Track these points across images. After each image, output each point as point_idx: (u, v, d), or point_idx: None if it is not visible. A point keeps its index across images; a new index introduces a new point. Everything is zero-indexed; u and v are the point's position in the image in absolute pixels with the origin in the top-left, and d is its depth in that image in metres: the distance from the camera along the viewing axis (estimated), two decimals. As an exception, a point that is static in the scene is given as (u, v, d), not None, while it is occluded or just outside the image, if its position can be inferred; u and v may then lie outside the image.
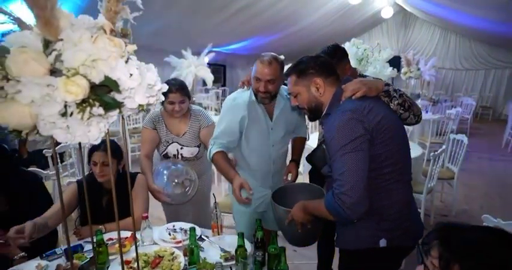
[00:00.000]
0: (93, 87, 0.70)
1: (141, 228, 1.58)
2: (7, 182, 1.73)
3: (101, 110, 0.71)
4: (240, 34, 7.88)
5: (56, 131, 0.70)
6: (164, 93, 0.84)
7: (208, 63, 4.95)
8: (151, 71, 0.79)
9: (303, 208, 1.33)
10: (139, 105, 0.77)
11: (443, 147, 3.10)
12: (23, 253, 1.52)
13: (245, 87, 1.79)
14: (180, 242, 1.60)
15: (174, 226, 1.75)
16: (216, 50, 6.07)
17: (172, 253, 1.47)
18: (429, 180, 2.83)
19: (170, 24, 5.87)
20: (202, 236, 1.64)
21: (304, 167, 3.07)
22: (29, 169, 2.14)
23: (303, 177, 2.88)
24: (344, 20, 8.59)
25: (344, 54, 1.87)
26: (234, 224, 2.08)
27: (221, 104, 8.90)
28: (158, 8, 4.85)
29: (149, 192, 1.95)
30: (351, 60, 1.96)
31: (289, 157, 2.00)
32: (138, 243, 1.44)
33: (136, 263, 1.01)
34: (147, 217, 1.60)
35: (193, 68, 4.62)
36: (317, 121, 2.92)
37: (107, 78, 0.70)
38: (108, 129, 0.77)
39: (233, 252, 1.42)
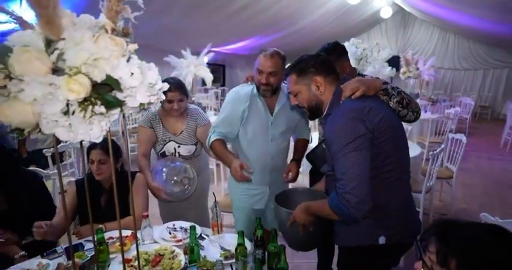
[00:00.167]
0: (95, 85, 0.71)
1: (141, 227, 1.59)
2: (7, 181, 1.74)
3: (102, 109, 0.72)
4: (239, 34, 7.89)
5: (58, 129, 0.71)
6: (163, 92, 0.85)
7: (207, 63, 4.96)
8: (152, 70, 0.80)
9: (306, 209, 1.33)
10: (141, 103, 0.78)
11: (442, 146, 3.11)
12: (23, 252, 1.53)
13: (249, 82, 1.85)
14: (181, 240, 1.60)
15: (174, 225, 1.75)
16: (216, 50, 6.08)
17: (173, 251, 1.48)
18: (428, 180, 2.84)
19: (169, 24, 5.87)
20: (203, 235, 1.65)
21: (304, 166, 3.07)
22: (29, 168, 2.15)
23: (303, 177, 2.89)
24: (343, 20, 8.61)
25: (343, 51, 1.87)
26: (234, 223, 2.08)
27: (220, 103, 8.90)
28: (157, 8, 4.85)
29: (148, 191, 1.96)
30: (350, 60, 1.96)
31: (290, 157, 2.01)
32: (138, 242, 1.45)
33: (136, 262, 1.01)
34: (147, 216, 1.60)
35: (193, 67, 4.62)
36: (316, 121, 2.92)
37: (108, 77, 0.71)
38: (109, 128, 0.78)
39: (233, 251, 1.42)
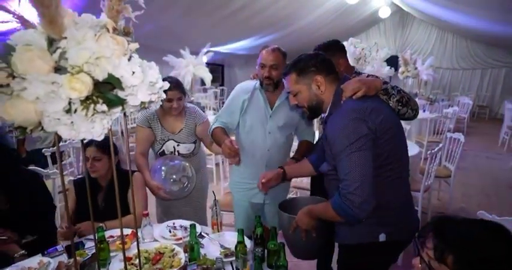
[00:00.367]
0: (97, 84, 0.72)
1: (141, 225, 1.60)
2: (7, 180, 1.74)
3: (104, 107, 0.73)
4: (238, 33, 7.90)
5: (61, 127, 0.71)
6: (163, 91, 0.85)
7: (206, 63, 4.96)
8: (153, 69, 0.80)
9: (308, 213, 1.32)
10: (142, 102, 0.79)
11: (440, 145, 3.12)
12: (23, 251, 1.53)
13: (255, 79, 1.96)
14: (181, 239, 1.61)
15: (174, 223, 1.76)
16: (215, 50, 6.08)
17: (173, 250, 1.48)
18: (426, 179, 2.85)
19: (168, 23, 5.87)
20: (202, 233, 1.66)
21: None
22: (29, 168, 2.15)
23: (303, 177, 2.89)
24: (342, 20, 8.62)
25: (339, 48, 1.88)
26: (233, 222, 2.09)
27: (219, 103, 8.89)
28: (157, 8, 4.85)
29: (147, 190, 1.96)
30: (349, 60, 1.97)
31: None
32: (138, 240, 1.45)
33: (137, 260, 1.02)
34: (147, 214, 1.61)
35: (192, 67, 4.63)
36: (315, 120, 2.92)
37: (110, 75, 0.72)
38: (111, 127, 0.79)
39: (233, 249, 1.43)
